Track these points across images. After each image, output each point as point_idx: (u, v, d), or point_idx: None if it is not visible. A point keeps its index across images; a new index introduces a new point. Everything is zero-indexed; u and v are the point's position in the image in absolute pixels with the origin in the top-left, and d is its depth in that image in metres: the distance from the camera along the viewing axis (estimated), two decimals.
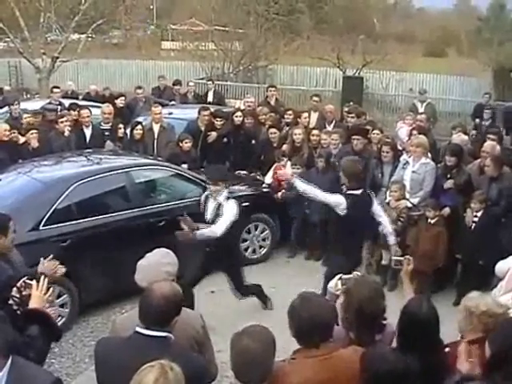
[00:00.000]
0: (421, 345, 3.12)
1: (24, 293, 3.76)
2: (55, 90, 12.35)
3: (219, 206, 6.28)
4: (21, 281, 3.82)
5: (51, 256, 4.09)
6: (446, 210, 7.24)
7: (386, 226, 6.33)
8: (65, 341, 6.26)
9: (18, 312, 3.69)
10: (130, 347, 2.86)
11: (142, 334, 2.93)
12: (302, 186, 6.23)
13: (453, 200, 7.33)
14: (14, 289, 3.81)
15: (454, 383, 2.96)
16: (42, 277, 3.70)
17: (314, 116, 10.44)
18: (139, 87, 13.00)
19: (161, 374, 2.42)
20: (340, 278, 3.87)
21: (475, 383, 2.86)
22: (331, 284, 3.90)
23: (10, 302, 3.79)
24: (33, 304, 3.53)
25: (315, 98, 11.13)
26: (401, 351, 3.08)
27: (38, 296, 3.57)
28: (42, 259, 4.26)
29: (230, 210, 6.22)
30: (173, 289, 3.03)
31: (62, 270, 4.31)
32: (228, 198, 6.37)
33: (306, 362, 2.89)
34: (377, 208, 6.22)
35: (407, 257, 4.40)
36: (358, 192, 6.02)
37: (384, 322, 3.38)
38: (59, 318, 6.39)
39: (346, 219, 5.93)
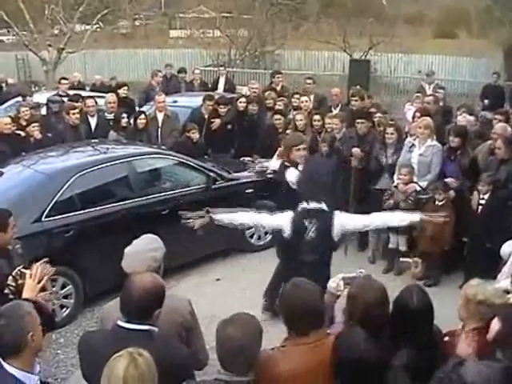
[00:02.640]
0: (412, 335, 3.05)
1: (20, 281, 3.75)
2: (63, 81, 12.22)
3: None
4: (16, 269, 3.82)
5: (45, 259, 4.04)
6: (451, 193, 7.14)
7: None
8: (70, 331, 6.30)
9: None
10: (112, 341, 2.80)
11: (124, 327, 2.88)
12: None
13: (457, 180, 7.24)
14: (10, 278, 3.82)
15: (452, 365, 2.90)
16: (36, 266, 3.68)
17: (310, 99, 10.29)
18: (159, 71, 13.30)
19: (130, 361, 2.40)
20: (342, 278, 3.65)
21: (473, 362, 2.81)
22: (332, 283, 3.67)
23: (6, 291, 3.78)
24: (26, 293, 3.53)
25: (308, 81, 11.02)
26: (392, 341, 3.02)
27: (31, 285, 3.56)
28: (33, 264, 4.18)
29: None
30: (154, 280, 2.96)
31: (51, 271, 4.18)
32: None
33: (295, 350, 2.84)
34: None
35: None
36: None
37: None
38: (63, 309, 6.45)
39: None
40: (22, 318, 2.78)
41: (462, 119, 8.27)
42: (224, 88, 13.36)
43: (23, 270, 3.78)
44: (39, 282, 3.65)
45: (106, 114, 9.70)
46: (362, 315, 3.09)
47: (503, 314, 2.90)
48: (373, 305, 3.11)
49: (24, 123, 8.95)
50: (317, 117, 8.71)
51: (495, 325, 2.90)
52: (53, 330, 3.79)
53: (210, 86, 14.10)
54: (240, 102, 9.76)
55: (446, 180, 7.25)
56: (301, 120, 8.70)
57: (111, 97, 10.03)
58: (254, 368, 2.74)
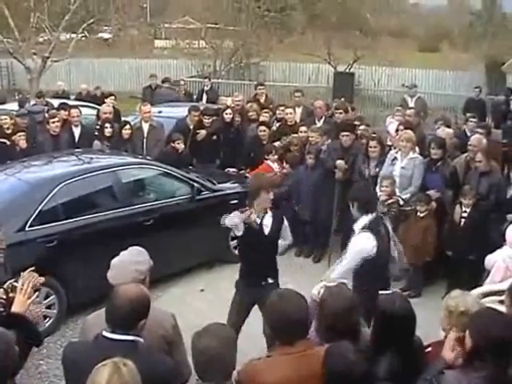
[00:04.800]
0: (394, 342, 3.09)
1: (11, 295, 3.72)
2: (38, 99, 12.14)
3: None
4: (7, 283, 3.79)
5: (32, 268, 4.01)
6: (433, 204, 7.22)
7: None
8: (53, 342, 6.23)
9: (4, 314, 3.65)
10: (97, 352, 2.79)
11: (108, 338, 2.89)
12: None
13: (439, 188, 7.34)
14: (1, 290, 3.78)
15: (432, 374, 2.93)
16: (27, 281, 3.65)
17: (298, 111, 10.41)
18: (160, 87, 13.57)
19: (114, 370, 2.40)
20: (325, 286, 3.70)
21: (452, 371, 2.84)
22: (314, 291, 3.75)
23: None
24: (15, 308, 3.50)
25: (297, 94, 11.08)
26: (374, 349, 3.05)
27: (21, 300, 3.53)
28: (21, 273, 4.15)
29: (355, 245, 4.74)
30: (139, 291, 2.97)
31: (39, 280, 4.16)
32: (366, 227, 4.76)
33: (280, 360, 2.86)
34: None
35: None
36: None
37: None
38: (46, 320, 6.39)
39: None
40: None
41: (441, 132, 8.39)
42: (207, 99, 13.42)
43: (15, 284, 3.75)
44: (29, 297, 3.62)
45: (98, 123, 9.68)
46: (329, 322, 3.13)
47: (472, 330, 2.92)
48: (340, 313, 3.13)
49: (8, 131, 8.92)
50: (303, 128, 8.76)
51: (467, 340, 2.93)
52: (39, 346, 3.75)
53: (195, 96, 14.15)
54: (226, 114, 9.80)
55: (428, 192, 7.32)
56: (296, 145, 8.59)
57: (107, 107, 10.03)
58: (230, 377, 2.75)
